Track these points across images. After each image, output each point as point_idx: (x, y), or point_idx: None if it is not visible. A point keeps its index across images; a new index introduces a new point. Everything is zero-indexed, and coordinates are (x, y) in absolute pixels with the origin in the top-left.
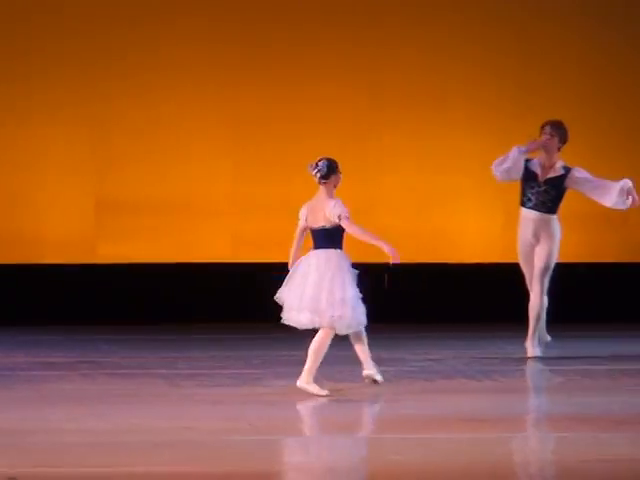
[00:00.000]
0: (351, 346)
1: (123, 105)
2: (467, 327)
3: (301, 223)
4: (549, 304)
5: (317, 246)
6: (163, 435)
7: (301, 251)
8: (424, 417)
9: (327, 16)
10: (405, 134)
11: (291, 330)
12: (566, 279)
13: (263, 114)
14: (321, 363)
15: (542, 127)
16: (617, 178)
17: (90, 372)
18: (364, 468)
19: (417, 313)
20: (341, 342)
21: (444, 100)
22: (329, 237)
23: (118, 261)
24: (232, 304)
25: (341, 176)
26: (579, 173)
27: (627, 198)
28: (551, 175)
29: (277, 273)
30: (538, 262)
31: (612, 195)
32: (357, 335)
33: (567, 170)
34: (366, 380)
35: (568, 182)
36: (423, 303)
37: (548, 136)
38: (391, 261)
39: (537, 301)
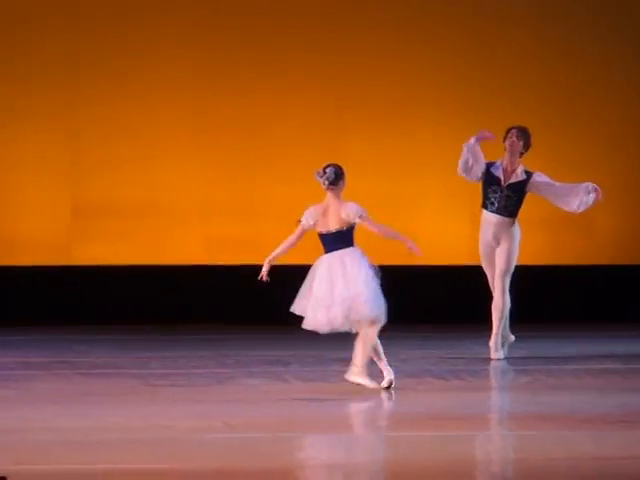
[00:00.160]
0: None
1: (99, 111)
2: (436, 328)
3: (306, 225)
4: (512, 304)
5: (332, 249)
6: (139, 433)
7: (291, 251)
8: (393, 415)
9: (295, 27)
10: (370, 140)
11: (262, 331)
12: (531, 281)
13: (233, 121)
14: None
15: (508, 131)
16: (579, 181)
17: (65, 372)
18: (335, 466)
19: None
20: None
21: (407, 106)
22: (344, 239)
23: (93, 263)
24: (204, 305)
25: (347, 181)
26: (540, 178)
27: (592, 192)
28: (513, 180)
29: (248, 275)
30: (499, 263)
31: (577, 196)
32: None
33: (528, 175)
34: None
35: (529, 187)
36: (392, 305)
37: (514, 139)
38: (415, 253)
39: (500, 301)
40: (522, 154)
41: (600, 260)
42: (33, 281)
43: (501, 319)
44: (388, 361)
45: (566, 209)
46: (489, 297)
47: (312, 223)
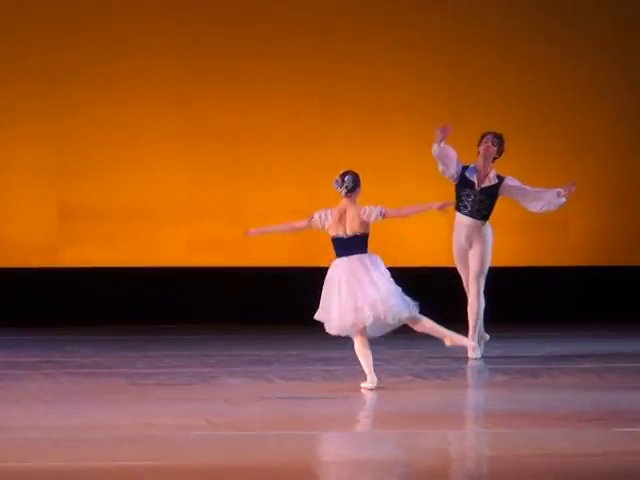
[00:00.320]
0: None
1: (85, 116)
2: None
3: (313, 223)
4: (487, 304)
5: (347, 253)
6: (124, 431)
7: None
8: (373, 413)
9: (279, 33)
10: (352, 145)
11: (244, 331)
12: (507, 281)
13: (218, 126)
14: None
15: (483, 136)
16: (553, 182)
17: (53, 372)
18: (318, 463)
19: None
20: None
21: (389, 113)
22: (361, 244)
23: (80, 265)
24: (188, 306)
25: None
26: (511, 182)
27: (563, 196)
28: (486, 184)
29: (230, 277)
30: (473, 265)
31: (545, 199)
32: (415, 319)
33: (500, 179)
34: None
35: (501, 190)
36: None
37: (489, 144)
38: (447, 208)
39: (475, 302)
40: (495, 159)
41: (574, 261)
42: (21, 282)
43: (477, 319)
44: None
45: (529, 209)
46: (464, 298)
47: (320, 226)
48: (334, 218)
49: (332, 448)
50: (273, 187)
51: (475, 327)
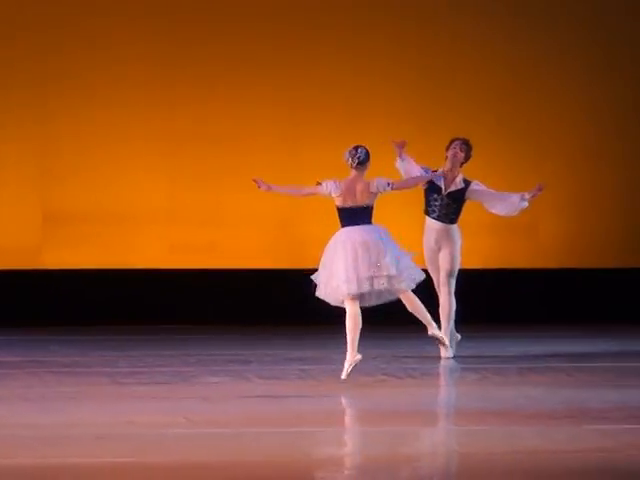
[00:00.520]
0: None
1: (68, 123)
2: (390, 329)
3: (322, 190)
4: (459, 305)
5: (355, 222)
6: (106, 429)
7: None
8: (348, 411)
9: (251, 38)
10: (324, 149)
11: (223, 331)
12: (478, 283)
13: (196, 131)
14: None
15: (452, 142)
16: (523, 189)
17: (37, 371)
18: (294, 461)
19: (343, 316)
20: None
21: (359, 117)
22: (368, 214)
23: (63, 267)
24: (168, 307)
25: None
26: (477, 186)
27: (525, 200)
28: (452, 189)
29: (210, 278)
30: (443, 267)
31: (509, 202)
32: (409, 298)
33: (467, 183)
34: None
35: (468, 194)
36: None
37: (457, 150)
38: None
39: (446, 303)
40: (462, 164)
41: (545, 263)
42: (5, 284)
43: (448, 320)
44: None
45: (494, 213)
46: (436, 299)
47: (327, 192)
48: (342, 188)
49: (309, 445)
50: (253, 189)
51: (447, 327)
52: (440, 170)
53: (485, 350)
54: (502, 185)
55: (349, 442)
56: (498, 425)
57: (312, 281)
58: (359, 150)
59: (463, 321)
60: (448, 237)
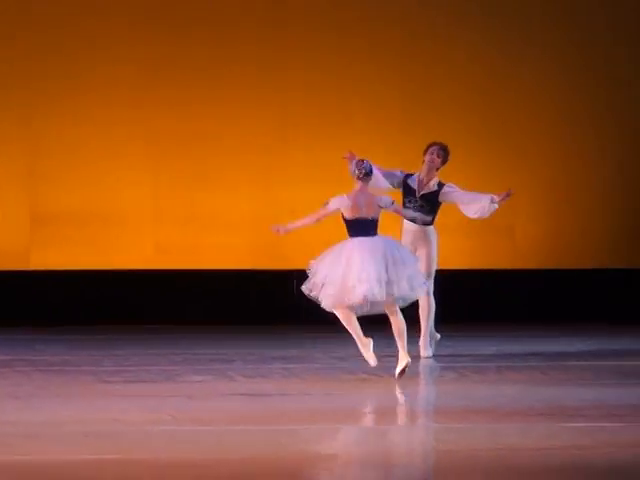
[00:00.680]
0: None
1: (55, 124)
2: (371, 328)
3: (330, 208)
4: (437, 305)
5: (364, 234)
6: (92, 426)
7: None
8: (329, 409)
9: (238, 40)
10: (310, 151)
11: (207, 330)
12: (456, 284)
13: (182, 133)
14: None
15: (429, 146)
16: (499, 192)
17: (25, 369)
18: (278, 458)
19: (327, 316)
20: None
21: (344, 120)
22: (375, 226)
23: (50, 268)
24: (154, 306)
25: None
26: (450, 188)
27: (495, 203)
28: (426, 191)
29: (195, 278)
30: (421, 268)
31: (479, 203)
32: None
33: (440, 186)
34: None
35: (441, 197)
36: None
37: (434, 156)
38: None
39: (425, 303)
40: (438, 169)
41: (523, 264)
42: None
43: (428, 319)
44: (327, 359)
45: (466, 215)
46: (416, 300)
47: (336, 208)
48: (351, 201)
49: (292, 443)
50: (237, 191)
51: (426, 327)
52: (416, 173)
53: (464, 349)
54: (480, 186)
55: (332, 440)
56: (478, 422)
57: (297, 281)
58: (365, 162)
59: (442, 321)
60: (424, 238)
